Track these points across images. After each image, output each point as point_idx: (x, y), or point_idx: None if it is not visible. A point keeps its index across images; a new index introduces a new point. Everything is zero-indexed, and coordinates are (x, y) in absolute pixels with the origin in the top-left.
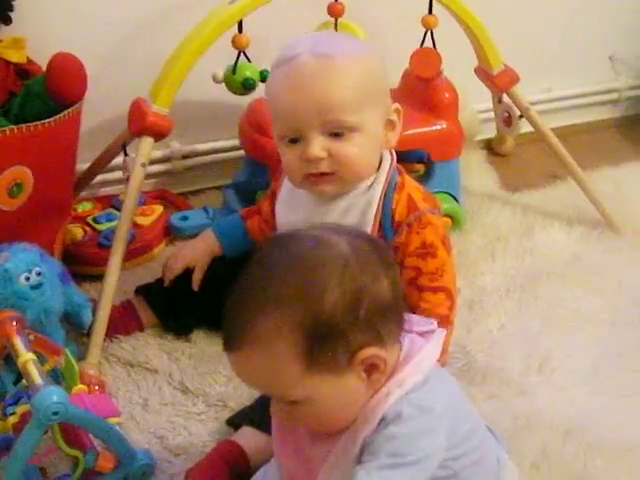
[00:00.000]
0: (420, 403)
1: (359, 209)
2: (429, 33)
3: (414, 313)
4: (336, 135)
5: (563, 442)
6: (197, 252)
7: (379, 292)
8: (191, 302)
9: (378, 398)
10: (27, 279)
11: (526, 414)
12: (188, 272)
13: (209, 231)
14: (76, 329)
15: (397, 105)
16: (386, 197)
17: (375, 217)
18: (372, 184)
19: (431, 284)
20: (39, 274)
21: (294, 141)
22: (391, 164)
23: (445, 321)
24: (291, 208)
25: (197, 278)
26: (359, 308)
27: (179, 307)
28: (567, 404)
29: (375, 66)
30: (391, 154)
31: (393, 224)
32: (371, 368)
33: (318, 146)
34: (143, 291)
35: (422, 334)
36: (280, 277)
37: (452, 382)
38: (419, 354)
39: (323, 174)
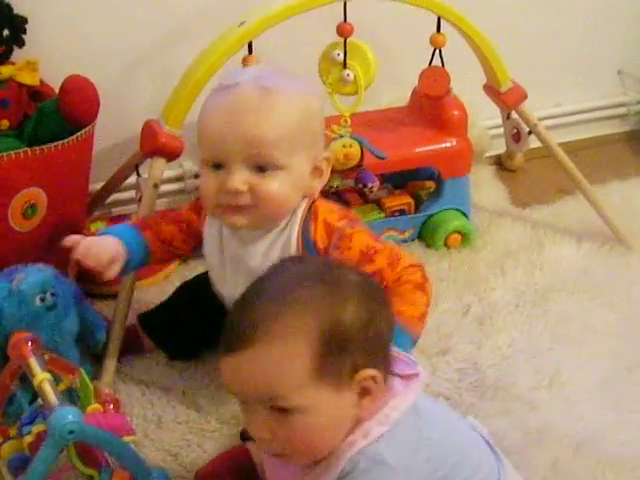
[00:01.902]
0: (376, 457)
1: (279, 249)
2: (437, 52)
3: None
4: (260, 170)
5: (573, 457)
6: (111, 248)
7: (385, 319)
8: (190, 328)
9: (343, 447)
10: (42, 300)
11: (536, 429)
12: (185, 299)
13: (108, 236)
14: (91, 349)
15: (328, 154)
16: (304, 230)
17: (298, 252)
18: (288, 223)
19: (396, 275)
20: (54, 295)
21: (217, 167)
22: (309, 204)
23: (420, 287)
24: (215, 247)
25: (115, 270)
26: (370, 328)
27: (178, 333)
28: (577, 419)
29: (314, 108)
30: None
31: (320, 252)
32: (365, 391)
33: (240, 179)
34: (142, 318)
35: (403, 377)
36: (301, 285)
37: (434, 426)
38: (391, 403)
39: (239, 206)
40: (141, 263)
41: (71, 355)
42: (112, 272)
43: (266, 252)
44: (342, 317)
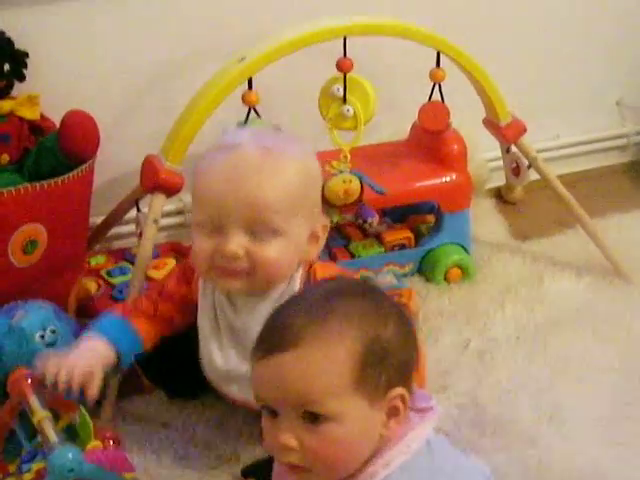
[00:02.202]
0: None
1: None
2: (437, 86)
3: None
4: (259, 234)
5: None
6: (89, 363)
7: (414, 346)
8: (188, 369)
9: (363, 477)
10: (42, 337)
11: (537, 466)
12: (182, 340)
13: (94, 337)
14: None
15: (326, 221)
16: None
17: None
18: (286, 289)
19: None
20: (54, 332)
21: (213, 229)
22: (306, 268)
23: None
24: (209, 316)
25: (94, 393)
26: (405, 349)
27: (176, 375)
28: (578, 455)
29: (315, 172)
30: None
31: None
32: (393, 411)
33: (237, 243)
34: (141, 360)
35: (419, 410)
36: (346, 296)
37: (445, 457)
38: (411, 433)
39: (235, 270)
40: (132, 356)
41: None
42: (95, 390)
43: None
44: (383, 332)
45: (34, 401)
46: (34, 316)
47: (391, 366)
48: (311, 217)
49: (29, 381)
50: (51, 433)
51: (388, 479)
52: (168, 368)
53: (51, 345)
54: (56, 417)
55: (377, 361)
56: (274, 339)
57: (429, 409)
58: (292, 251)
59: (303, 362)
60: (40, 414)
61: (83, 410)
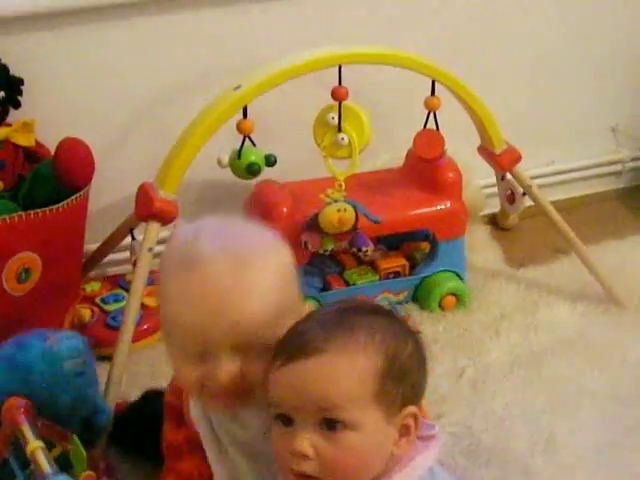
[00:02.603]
0: None
1: None
2: (432, 115)
3: None
4: (248, 352)
5: None
6: None
7: (426, 371)
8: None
9: None
10: (74, 365)
11: None
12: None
13: None
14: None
15: (311, 307)
16: None
17: None
18: None
19: None
20: (84, 363)
21: (196, 356)
22: None
23: None
24: (206, 429)
25: None
26: (420, 371)
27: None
28: None
29: (287, 262)
30: None
31: None
32: (405, 430)
33: (228, 370)
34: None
35: (423, 438)
36: (369, 312)
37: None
38: (419, 457)
39: (228, 393)
40: None
41: (98, 417)
42: None
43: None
44: (405, 350)
45: (27, 430)
46: (68, 343)
47: (407, 384)
48: (297, 307)
49: (22, 410)
50: (44, 463)
51: None
52: (135, 433)
53: (79, 375)
54: (49, 446)
55: (396, 377)
56: (297, 347)
57: (432, 437)
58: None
59: (328, 368)
60: (33, 444)
61: (76, 439)
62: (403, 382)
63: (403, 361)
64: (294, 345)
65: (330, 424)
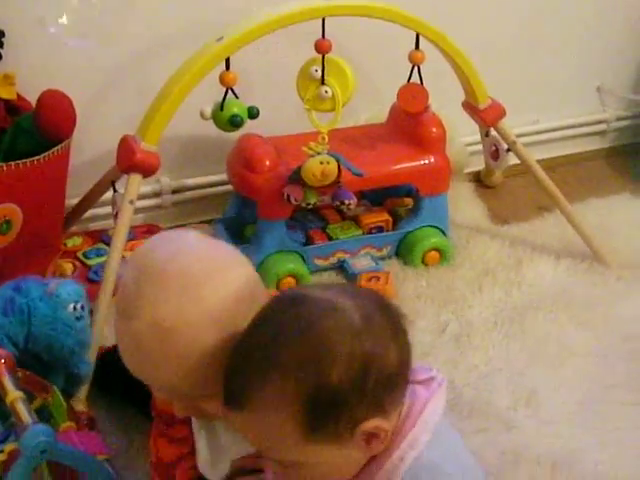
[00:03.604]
0: (434, 468)
1: None
2: (416, 69)
3: None
4: (191, 398)
5: (550, 476)
6: None
7: (387, 363)
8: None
9: (393, 463)
10: (74, 309)
11: (513, 449)
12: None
13: None
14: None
15: None
16: None
17: None
18: None
19: None
20: (82, 308)
21: None
22: None
23: None
24: (200, 431)
25: None
26: (366, 381)
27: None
28: (554, 438)
29: (233, 297)
30: None
31: None
32: (371, 437)
33: (178, 407)
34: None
35: (421, 382)
36: (288, 343)
37: (454, 434)
38: (426, 410)
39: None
40: None
41: (82, 367)
42: None
43: None
44: (328, 381)
45: (7, 381)
46: (70, 287)
47: (351, 406)
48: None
49: (2, 361)
50: (24, 413)
51: (422, 461)
52: (117, 377)
53: (79, 319)
54: (30, 398)
55: (327, 411)
56: (227, 394)
57: (431, 379)
58: None
59: (253, 425)
60: (13, 394)
61: (57, 391)
62: (341, 409)
63: (331, 392)
64: (226, 390)
65: (286, 465)
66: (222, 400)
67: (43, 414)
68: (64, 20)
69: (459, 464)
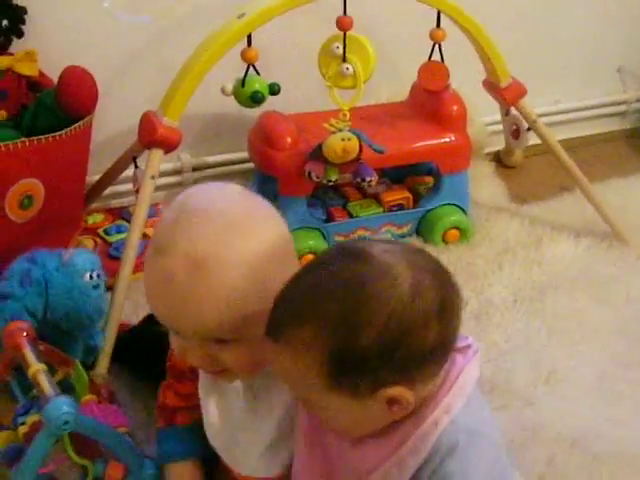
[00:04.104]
0: (469, 429)
1: None
2: (437, 46)
3: None
4: (219, 341)
5: (569, 453)
6: None
7: (423, 341)
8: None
9: (426, 428)
10: (90, 277)
11: (533, 425)
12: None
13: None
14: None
15: None
16: None
17: None
18: None
19: None
20: (99, 276)
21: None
22: None
23: None
24: (213, 398)
25: None
26: (396, 352)
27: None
28: (573, 415)
29: (265, 269)
30: None
31: None
32: (393, 402)
33: (196, 356)
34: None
35: (459, 350)
36: (335, 295)
37: (485, 402)
38: (462, 376)
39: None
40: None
41: (96, 338)
42: None
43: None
44: (358, 342)
45: (29, 354)
46: (85, 256)
47: (373, 371)
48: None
49: (24, 334)
50: (46, 385)
51: (458, 424)
52: (138, 353)
53: (95, 288)
54: (52, 371)
55: (351, 369)
56: (268, 325)
57: (467, 347)
58: (255, 348)
59: (284, 359)
60: (35, 366)
61: (79, 364)
62: (365, 371)
63: (359, 353)
64: (270, 316)
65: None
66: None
67: (65, 387)
68: None
69: (492, 428)
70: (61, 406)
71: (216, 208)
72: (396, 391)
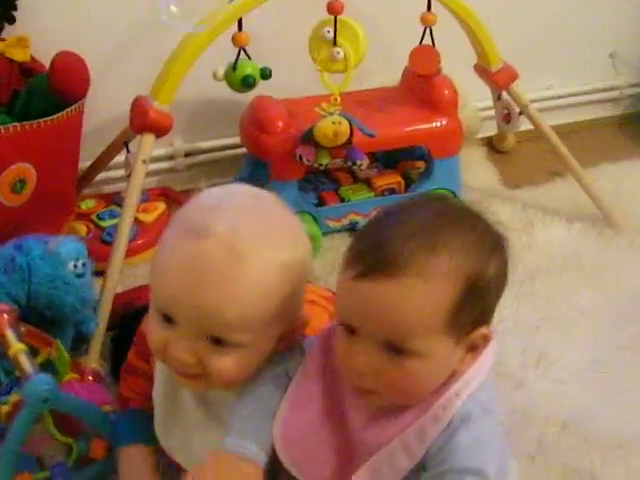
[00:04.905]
0: (482, 405)
1: None
2: (428, 31)
3: None
4: (216, 342)
5: (559, 435)
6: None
7: (506, 282)
8: None
9: (449, 397)
10: (75, 266)
11: (523, 407)
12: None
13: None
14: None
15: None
16: None
17: None
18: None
19: None
20: (84, 265)
21: (167, 319)
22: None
23: None
24: (165, 392)
25: None
26: (502, 286)
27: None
28: (564, 398)
29: (297, 269)
30: None
31: None
32: (472, 348)
33: (187, 348)
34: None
35: None
36: (453, 226)
37: (494, 387)
38: (482, 356)
39: (187, 374)
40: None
41: (88, 324)
42: None
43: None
44: (486, 273)
45: (10, 334)
46: (71, 245)
47: (485, 305)
48: (286, 322)
49: (5, 316)
50: (27, 364)
51: (474, 398)
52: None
53: (80, 276)
54: (34, 353)
55: (472, 304)
56: (376, 261)
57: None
58: (254, 358)
59: (403, 294)
60: (16, 347)
61: (60, 345)
62: (478, 307)
63: (482, 286)
64: (373, 257)
65: (396, 349)
66: (356, 267)
67: (47, 369)
68: None
69: (499, 411)
70: (40, 383)
71: (257, 207)
72: (486, 331)
